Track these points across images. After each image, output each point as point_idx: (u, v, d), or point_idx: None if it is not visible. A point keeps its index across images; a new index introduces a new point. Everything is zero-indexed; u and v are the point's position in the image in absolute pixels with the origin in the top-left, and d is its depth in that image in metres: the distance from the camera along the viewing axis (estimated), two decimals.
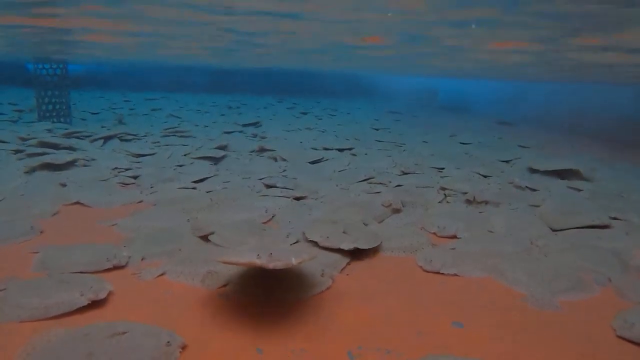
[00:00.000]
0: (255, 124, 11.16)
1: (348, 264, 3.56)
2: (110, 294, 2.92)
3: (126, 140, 8.37)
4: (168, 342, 2.34)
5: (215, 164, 6.96)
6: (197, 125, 10.80)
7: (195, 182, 5.81)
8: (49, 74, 10.54)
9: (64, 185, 5.42)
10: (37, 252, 3.51)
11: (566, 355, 2.52)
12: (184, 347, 2.43)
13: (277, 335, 2.59)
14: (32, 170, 5.90)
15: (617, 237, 4.22)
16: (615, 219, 4.80)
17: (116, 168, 6.31)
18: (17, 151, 6.81)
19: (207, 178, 6.04)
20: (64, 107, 10.77)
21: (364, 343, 2.54)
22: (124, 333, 2.35)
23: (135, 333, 2.37)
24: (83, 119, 11.31)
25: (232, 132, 10.03)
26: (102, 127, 9.74)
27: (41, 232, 4.02)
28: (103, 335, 2.33)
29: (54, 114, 10.58)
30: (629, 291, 3.27)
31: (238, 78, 21.59)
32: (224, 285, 3.10)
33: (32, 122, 10.02)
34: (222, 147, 7.87)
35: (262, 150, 7.99)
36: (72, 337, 2.34)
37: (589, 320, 2.89)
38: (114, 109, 13.73)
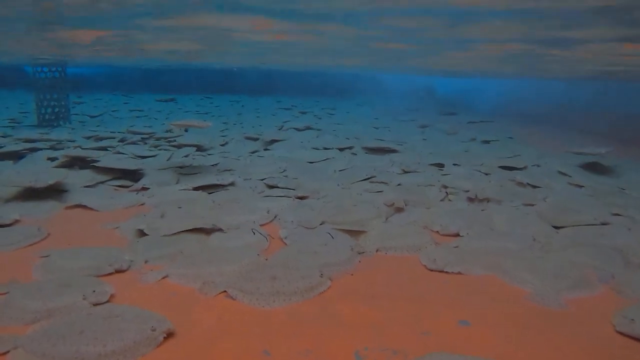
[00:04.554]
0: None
1: (352, 264, 3.55)
2: (112, 297, 2.91)
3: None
4: (153, 327, 2.45)
5: (215, 164, 6.93)
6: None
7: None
8: (47, 77, 10.49)
9: None
10: (46, 256, 3.51)
11: (570, 352, 2.52)
12: (169, 334, 2.50)
13: (283, 336, 2.58)
14: None
15: (619, 233, 4.20)
16: (617, 215, 4.79)
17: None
18: None
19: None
20: (63, 110, 10.72)
21: (370, 344, 2.53)
22: (117, 316, 2.52)
23: (127, 316, 2.53)
24: (82, 122, 11.28)
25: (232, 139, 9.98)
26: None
27: (48, 234, 4.03)
28: (101, 315, 2.54)
29: (53, 117, 10.53)
30: (631, 288, 3.25)
31: (238, 78, 21.57)
32: (224, 292, 3.07)
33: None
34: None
35: (262, 150, 7.97)
36: (78, 315, 2.59)
37: (593, 317, 2.88)
38: (113, 111, 13.71)
